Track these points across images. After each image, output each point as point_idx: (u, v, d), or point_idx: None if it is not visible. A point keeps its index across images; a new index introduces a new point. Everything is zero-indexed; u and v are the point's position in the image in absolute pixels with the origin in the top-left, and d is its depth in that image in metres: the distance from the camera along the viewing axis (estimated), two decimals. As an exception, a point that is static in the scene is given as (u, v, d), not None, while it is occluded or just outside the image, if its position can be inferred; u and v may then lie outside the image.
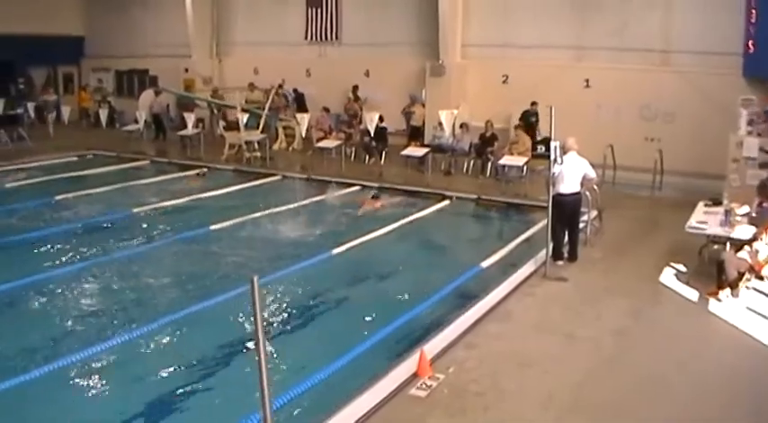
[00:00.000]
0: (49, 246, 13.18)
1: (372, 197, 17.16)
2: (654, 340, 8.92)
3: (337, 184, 18.43)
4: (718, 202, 12.15)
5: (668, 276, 11.16)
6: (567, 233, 11.88)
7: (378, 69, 24.33)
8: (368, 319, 9.80)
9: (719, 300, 10.02)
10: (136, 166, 21.57)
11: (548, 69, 20.40)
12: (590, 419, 7.07)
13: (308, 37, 26.07)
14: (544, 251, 11.31)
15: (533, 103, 19.73)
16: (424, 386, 7.52)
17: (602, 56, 20.01)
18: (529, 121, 19.60)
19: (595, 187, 13.02)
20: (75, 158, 22.60)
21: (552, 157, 10.97)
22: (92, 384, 8.09)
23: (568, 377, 7.81)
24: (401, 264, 12.64)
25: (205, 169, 20.34)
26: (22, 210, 15.71)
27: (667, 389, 7.59)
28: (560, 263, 11.63)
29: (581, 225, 12.52)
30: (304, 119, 21.29)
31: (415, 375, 7.71)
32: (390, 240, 13.96)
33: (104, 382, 8.15)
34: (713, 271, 10.38)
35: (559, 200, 11.36)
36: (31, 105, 26.16)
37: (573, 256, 11.89)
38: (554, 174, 11.25)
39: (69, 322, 9.82)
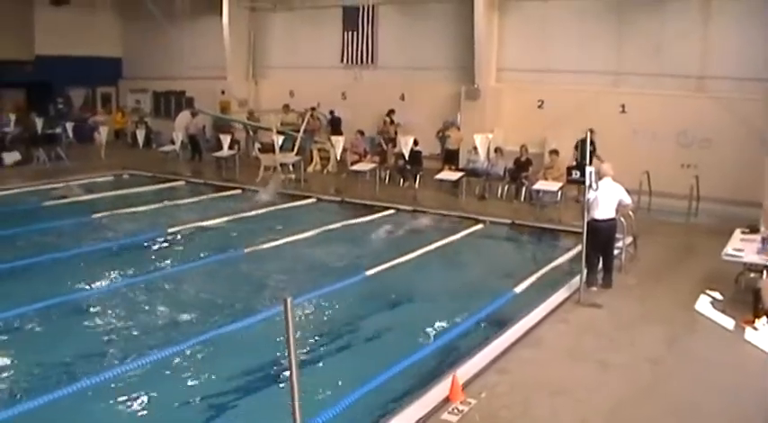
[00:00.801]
0: (84, 264, 13.33)
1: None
2: (689, 368, 8.80)
3: (371, 208, 18.41)
4: (755, 230, 12.00)
5: (704, 304, 11.03)
6: (601, 259, 11.78)
7: (413, 93, 24.44)
8: (400, 342, 9.78)
9: (756, 328, 9.89)
10: (171, 187, 21.80)
11: (583, 94, 20.30)
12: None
13: (344, 60, 26.24)
14: (578, 277, 11.24)
15: (590, 131, 18.85)
16: (455, 411, 7.48)
17: (639, 81, 19.92)
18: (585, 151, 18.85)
19: (631, 213, 12.92)
20: (111, 178, 22.90)
21: (587, 182, 10.92)
22: (120, 403, 8.14)
23: (601, 405, 7.72)
24: (434, 287, 12.61)
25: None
26: (59, 228, 15.90)
27: (703, 418, 7.49)
28: (594, 289, 11.53)
29: (616, 251, 12.43)
30: (339, 141, 21.39)
31: (446, 400, 7.67)
32: (423, 264, 13.94)
33: (132, 401, 8.18)
34: (749, 299, 10.27)
35: (594, 226, 11.27)
36: (69, 125, 26.51)
37: (607, 283, 11.78)
38: (589, 199, 11.18)
39: (102, 340, 9.91)
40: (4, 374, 8.74)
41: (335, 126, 25.31)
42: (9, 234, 14.99)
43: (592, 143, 17.74)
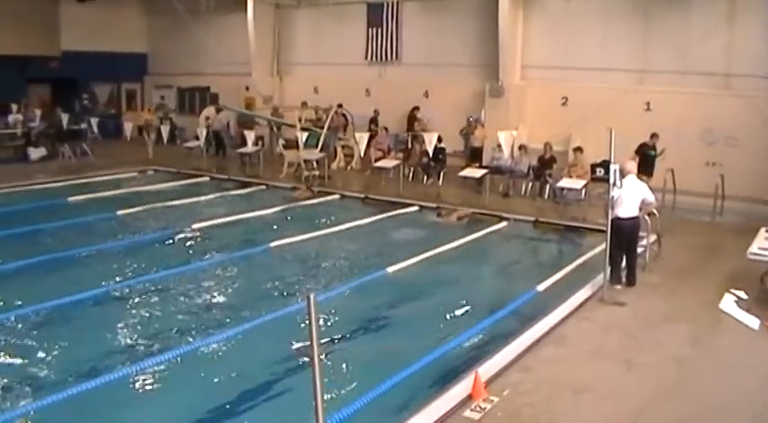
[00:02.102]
0: (109, 260, 13.46)
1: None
2: (714, 368, 8.75)
3: (395, 205, 18.46)
4: (781, 229, 11.92)
5: (729, 303, 10.96)
6: (624, 258, 11.74)
7: (437, 90, 24.45)
8: (423, 338, 9.77)
9: (781, 328, 9.83)
10: (195, 182, 21.94)
11: (608, 92, 20.19)
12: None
13: (368, 57, 26.30)
14: (602, 275, 11.20)
15: (653, 136, 18.17)
16: (478, 408, 7.48)
17: (664, 79, 19.79)
18: (648, 157, 17.78)
19: (655, 211, 12.85)
20: (135, 174, 23.09)
21: (611, 180, 10.88)
22: (143, 396, 8.29)
23: (625, 405, 7.69)
24: (457, 284, 12.62)
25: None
26: (85, 224, 16.06)
27: (727, 418, 7.46)
28: (618, 287, 11.49)
29: (640, 249, 12.37)
30: (363, 138, 21.42)
31: (469, 397, 7.67)
32: (447, 261, 13.95)
33: (156, 394, 8.34)
34: (775, 299, 10.20)
35: (618, 224, 11.22)
36: (94, 121, 26.72)
37: (631, 281, 11.73)
38: (613, 197, 11.14)
39: (125, 335, 10.02)
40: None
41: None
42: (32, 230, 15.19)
43: (654, 149, 17.56)
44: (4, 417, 7.62)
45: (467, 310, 11.05)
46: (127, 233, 15.47)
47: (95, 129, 26.62)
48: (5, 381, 8.45)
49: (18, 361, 9.07)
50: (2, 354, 9.26)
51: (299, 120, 23.30)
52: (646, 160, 17.28)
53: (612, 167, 10.84)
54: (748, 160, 17.68)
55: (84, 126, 26.72)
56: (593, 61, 20.94)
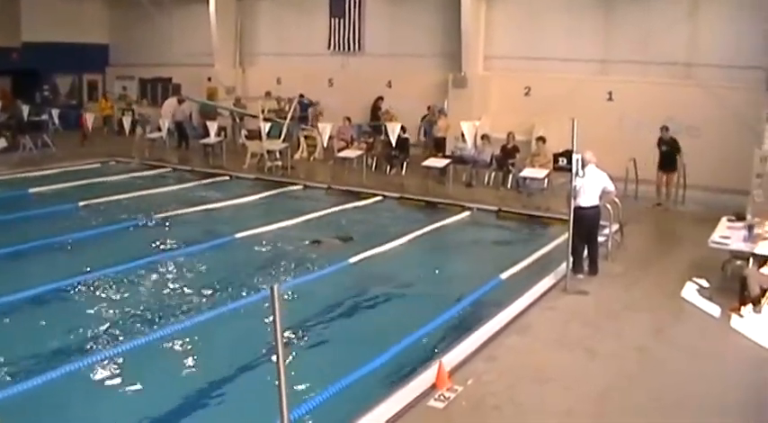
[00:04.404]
0: (69, 251, 13.32)
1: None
2: (675, 356, 8.81)
3: (358, 194, 18.43)
4: (741, 218, 12.02)
5: (690, 292, 11.06)
6: (586, 247, 11.81)
7: (400, 80, 24.36)
8: (385, 329, 9.76)
9: (742, 316, 9.92)
10: (158, 174, 21.74)
11: (570, 82, 20.27)
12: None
13: (331, 47, 26.16)
14: (564, 264, 11.24)
15: (665, 129, 17.56)
16: (442, 398, 7.48)
17: (626, 69, 19.91)
18: (669, 154, 17.33)
19: (616, 200, 12.92)
20: (97, 165, 22.80)
21: (574, 169, 10.93)
22: (107, 386, 8.23)
23: (588, 393, 7.74)
24: (420, 274, 12.64)
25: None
26: (46, 215, 15.84)
27: (688, 406, 7.52)
28: (581, 276, 11.55)
29: (601, 239, 12.45)
30: (326, 128, 21.34)
31: (433, 387, 7.67)
32: (409, 250, 13.96)
33: (119, 384, 8.28)
34: (736, 287, 10.29)
35: (579, 213, 11.24)
36: (55, 112, 26.34)
37: (593, 270, 11.80)
38: (575, 187, 11.17)
39: (88, 326, 9.89)
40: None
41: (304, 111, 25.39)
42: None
43: (675, 142, 17.32)
44: None
45: (430, 299, 11.04)
46: (89, 224, 15.25)
47: (56, 120, 26.22)
48: None
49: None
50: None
51: (262, 110, 23.13)
52: (668, 157, 17.33)
53: (575, 157, 10.89)
54: (710, 150, 17.77)
55: (45, 117, 26.29)
56: (555, 51, 21.01)
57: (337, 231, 15.06)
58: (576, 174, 10.97)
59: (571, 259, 11.24)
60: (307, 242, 14.13)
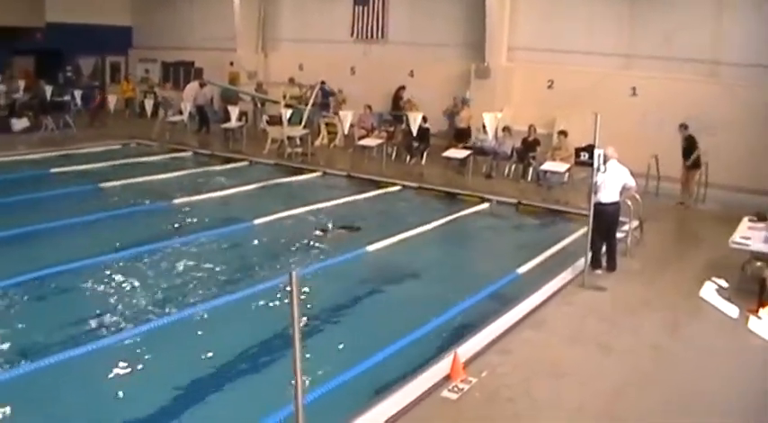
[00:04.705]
0: (88, 232, 13.40)
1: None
2: (691, 356, 8.76)
3: (377, 183, 18.43)
4: (762, 218, 11.89)
5: (709, 291, 10.98)
6: (605, 243, 11.74)
7: (423, 69, 24.22)
8: (401, 318, 9.75)
9: (760, 317, 9.84)
10: (178, 157, 21.82)
11: (594, 76, 20.12)
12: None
13: (354, 34, 26.08)
14: (582, 259, 11.19)
15: (683, 127, 17.46)
16: (455, 389, 7.49)
17: (651, 64, 19.70)
18: (686, 151, 17.24)
19: (637, 197, 12.84)
20: (119, 147, 22.91)
21: (595, 164, 10.86)
22: (119, 371, 8.26)
23: (602, 390, 7.71)
24: (437, 265, 12.67)
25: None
26: (66, 195, 15.95)
27: (702, 406, 7.48)
28: (599, 272, 11.49)
29: (621, 235, 12.38)
30: (347, 116, 21.31)
31: (447, 378, 7.68)
32: (427, 240, 13.96)
33: (136, 363, 8.37)
34: (755, 288, 10.21)
35: (599, 209, 11.17)
36: (77, 93, 26.48)
37: (612, 266, 11.73)
38: (596, 182, 11.10)
39: (107, 306, 10.00)
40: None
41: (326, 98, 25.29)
42: (14, 201, 15.08)
43: (693, 140, 17.07)
44: None
45: (446, 291, 11.01)
46: (108, 205, 15.32)
47: (79, 101, 26.33)
48: None
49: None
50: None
51: (284, 96, 23.11)
52: (683, 154, 17.20)
53: (597, 152, 10.81)
54: (732, 149, 17.58)
55: (67, 98, 26.40)
56: (579, 44, 20.81)
57: (354, 220, 15.03)
58: (598, 169, 10.89)
59: (589, 255, 11.17)
60: (316, 231, 14.11)
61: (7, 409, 7.20)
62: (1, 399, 7.28)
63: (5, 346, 8.64)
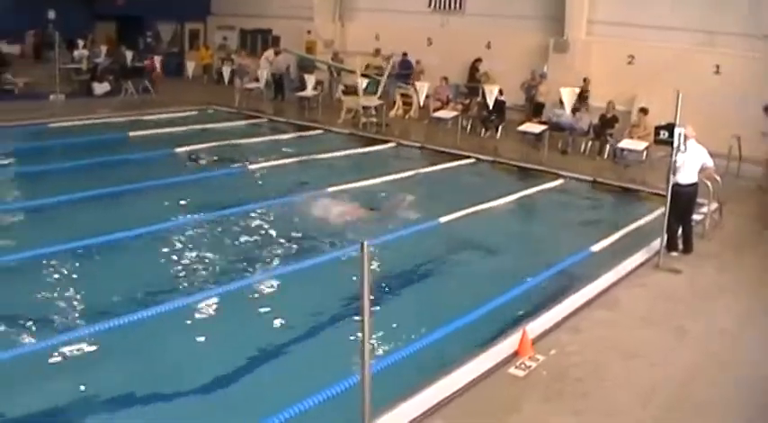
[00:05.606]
0: (163, 196, 13.70)
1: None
2: (764, 343, 8.55)
3: (451, 155, 18.31)
4: None
5: (788, 278, 10.67)
6: (681, 224, 11.48)
7: (500, 42, 23.92)
8: (471, 292, 9.73)
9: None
10: (254, 123, 22.07)
11: (676, 52, 19.50)
12: (691, 418, 6.85)
13: (432, 5, 25.90)
14: (658, 240, 10.96)
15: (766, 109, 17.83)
16: (523, 366, 7.45)
17: (735, 42, 19.06)
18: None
19: (717, 178, 12.50)
20: (195, 112, 23.27)
21: (675, 144, 10.60)
22: (198, 325, 8.61)
23: (673, 373, 7.58)
24: (509, 239, 12.60)
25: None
26: (143, 160, 16.32)
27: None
28: (674, 254, 11.24)
29: (699, 217, 12.10)
30: (423, 87, 21.23)
31: (515, 354, 7.64)
32: (500, 215, 13.89)
33: (208, 326, 8.65)
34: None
35: (677, 190, 10.91)
36: (157, 58, 26.97)
37: (688, 249, 11.47)
38: (675, 162, 10.83)
39: (179, 268, 10.29)
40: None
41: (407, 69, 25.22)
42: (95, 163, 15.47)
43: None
44: (66, 338, 7.92)
45: (517, 266, 10.97)
46: (183, 170, 15.62)
47: (158, 67, 26.82)
48: (67, 304, 8.85)
49: (75, 289, 9.34)
50: (64, 281, 9.56)
51: (367, 66, 23.13)
52: None
53: (678, 131, 10.55)
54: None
55: (147, 63, 26.93)
56: (662, 19, 20.20)
57: (424, 192, 14.97)
58: (678, 149, 10.63)
59: (665, 236, 10.95)
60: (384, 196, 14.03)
61: (91, 362, 7.54)
62: (85, 353, 7.62)
63: (87, 302, 8.94)
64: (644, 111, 18.25)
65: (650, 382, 7.32)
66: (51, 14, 29.03)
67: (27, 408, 6.61)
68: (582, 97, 19.98)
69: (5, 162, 15.84)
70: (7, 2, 27.54)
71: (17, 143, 17.75)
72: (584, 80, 20.36)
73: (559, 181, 16.46)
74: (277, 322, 8.73)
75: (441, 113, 21.39)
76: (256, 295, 9.57)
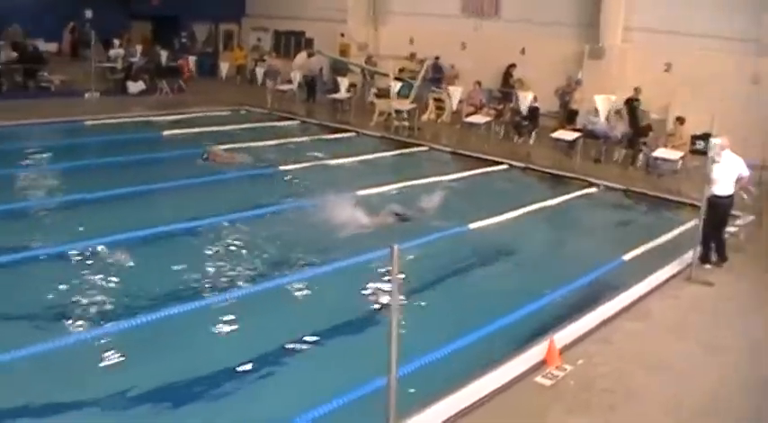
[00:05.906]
0: (194, 195, 13.87)
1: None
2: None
3: (483, 161, 18.20)
4: None
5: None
6: (715, 236, 11.29)
7: (534, 47, 23.77)
8: (500, 299, 9.66)
9: None
10: (286, 125, 22.13)
11: (714, 61, 19.22)
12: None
13: (466, 9, 25.82)
14: (691, 252, 10.79)
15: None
16: (550, 375, 7.38)
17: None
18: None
19: (751, 189, 12.29)
20: (228, 113, 23.40)
21: (710, 154, 10.44)
22: (220, 326, 8.63)
23: (700, 387, 7.47)
24: (540, 246, 12.57)
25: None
26: (177, 158, 16.51)
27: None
28: (708, 266, 11.05)
29: (734, 229, 11.90)
30: (456, 92, 21.16)
31: (542, 363, 7.57)
32: (531, 221, 13.78)
33: (233, 324, 8.69)
34: None
35: (713, 202, 10.73)
36: (192, 59, 27.22)
37: (721, 261, 11.26)
38: (711, 174, 10.65)
39: (208, 267, 10.33)
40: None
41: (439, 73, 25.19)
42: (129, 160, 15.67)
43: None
44: (95, 334, 8.11)
45: (547, 274, 10.88)
46: (214, 170, 15.71)
47: (192, 67, 27.05)
48: (100, 299, 8.98)
49: (108, 284, 9.48)
50: (94, 277, 9.66)
51: (402, 69, 23.10)
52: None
53: (713, 141, 10.39)
54: None
55: (182, 63, 27.16)
56: (700, 27, 19.89)
57: (454, 197, 14.90)
58: (713, 160, 10.47)
59: (699, 248, 10.79)
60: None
61: (124, 354, 7.66)
62: (118, 346, 7.76)
63: (123, 298, 9.06)
64: (680, 120, 17.97)
65: (677, 396, 7.22)
66: (88, 13, 29.50)
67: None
68: (630, 106, 19.79)
69: (41, 158, 16.03)
70: (45, 1, 27.90)
71: (53, 140, 17.94)
72: (635, 89, 20.05)
73: (592, 189, 16.32)
74: (306, 321, 8.76)
75: (473, 118, 21.29)
76: (283, 296, 9.59)
